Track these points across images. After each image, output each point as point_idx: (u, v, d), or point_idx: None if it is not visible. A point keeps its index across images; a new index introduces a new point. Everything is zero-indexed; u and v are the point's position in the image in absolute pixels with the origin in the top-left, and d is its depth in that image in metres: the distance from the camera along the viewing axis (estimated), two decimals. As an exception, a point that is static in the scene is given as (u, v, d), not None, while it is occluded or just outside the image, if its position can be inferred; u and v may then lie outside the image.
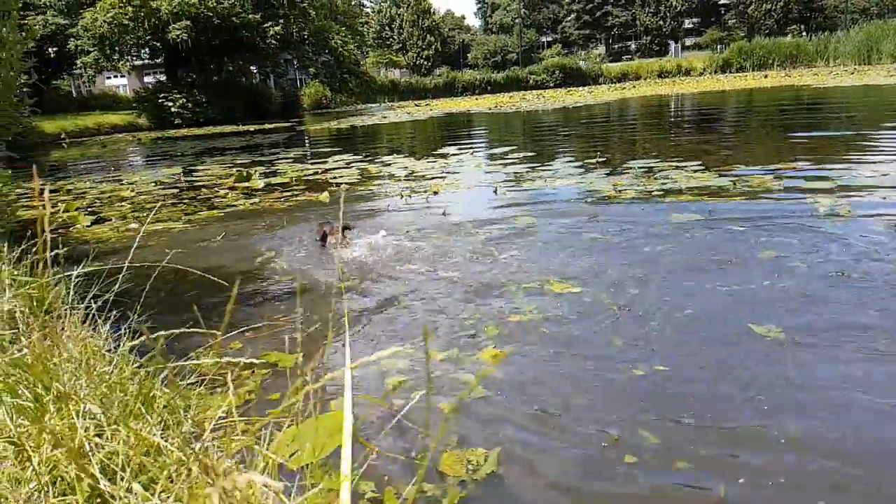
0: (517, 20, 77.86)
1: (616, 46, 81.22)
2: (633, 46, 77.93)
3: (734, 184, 6.50)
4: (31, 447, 1.16)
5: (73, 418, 1.16)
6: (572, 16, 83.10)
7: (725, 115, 16.85)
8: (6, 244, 2.27)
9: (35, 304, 1.82)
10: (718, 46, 62.76)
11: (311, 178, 9.82)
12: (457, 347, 3.05)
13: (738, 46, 52.79)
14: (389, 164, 10.71)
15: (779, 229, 4.73)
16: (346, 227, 5.32)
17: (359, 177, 9.55)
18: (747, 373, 2.63)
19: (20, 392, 1.20)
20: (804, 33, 60.08)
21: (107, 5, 31.03)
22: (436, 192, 7.53)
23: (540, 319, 3.32)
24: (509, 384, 2.67)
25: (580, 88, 47.89)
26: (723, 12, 75.16)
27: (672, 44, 68.31)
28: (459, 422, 2.39)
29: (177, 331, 1.59)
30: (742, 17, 68.50)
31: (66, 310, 1.83)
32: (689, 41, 72.80)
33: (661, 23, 69.61)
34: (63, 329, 1.60)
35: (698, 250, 4.35)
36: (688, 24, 74.35)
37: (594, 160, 9.16)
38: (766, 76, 38.68)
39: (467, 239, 5.16)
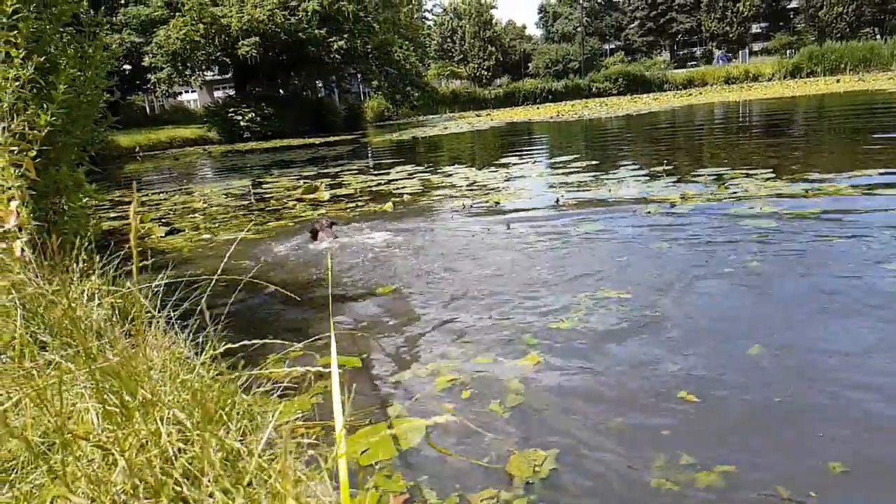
0: (579, 29, 77.09)
1: (681, 53, 79.32)
2: (699, 52, 75.90)
3: (807, 192, 6.22)
4: (117, 451, 1.20)
5: (157, 424, 1.20)
6: (636, 23, 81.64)
7: (796, 122, 16.19)
8: (92, 254, 2.39)
9: (118, 312, 1.90)
10: (788, 51, 60.36)
11: (374, 188, 9.97)
12: (496, 352, 3.03)
13: (809, 51, 50.81)
14: (451, 175, 10.76)
15: (850, 237, 4.48)
16: (332, 224, 5.97)
17: (421, 187, 9.63)
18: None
19: (108, 398, 1.25)
20: (878, 36, 57.12)
21: (179, 23, 32.50)
22: (497, 202, 7.51)
23: (586, 329, 3.25)
24: (549, 388, 2.62)
25: (644, 96, 46.98)
26: (792, 16, 72.27)
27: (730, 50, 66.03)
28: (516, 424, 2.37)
29: (258, 341, 1.63)
30: (812, 21, 65.68)
31: (148, 318, 1.90)
32: (756, 46, 70.34)
33: (728, 28, 67.40)
34: (146, 338, 1.67)
35: (773, 262, 4.17)
36: (755, 28, 71.83)
37: (661, 168, 8.94)
38: (837, 81, 36.93)
39: (527, 247, 5.11)
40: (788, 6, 72.06)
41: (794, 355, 2.82)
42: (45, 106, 2.40)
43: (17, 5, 2.30)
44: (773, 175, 7.40)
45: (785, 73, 50.57)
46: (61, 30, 3.27)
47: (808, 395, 2.47)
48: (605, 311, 3.53)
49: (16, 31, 2.31)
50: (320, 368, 1.77)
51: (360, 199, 8.94)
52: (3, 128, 2.20)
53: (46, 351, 1.51)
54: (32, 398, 1.20)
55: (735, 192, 6.56)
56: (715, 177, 7.72)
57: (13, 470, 1.24)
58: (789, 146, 10.57)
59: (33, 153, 2.30)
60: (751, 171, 7.77)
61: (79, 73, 2.92)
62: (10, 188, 2.14)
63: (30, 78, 2.33)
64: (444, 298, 4.07)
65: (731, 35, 67.13)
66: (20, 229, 2.11)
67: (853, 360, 2.71)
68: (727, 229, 5.12)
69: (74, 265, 2.20)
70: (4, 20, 2.28)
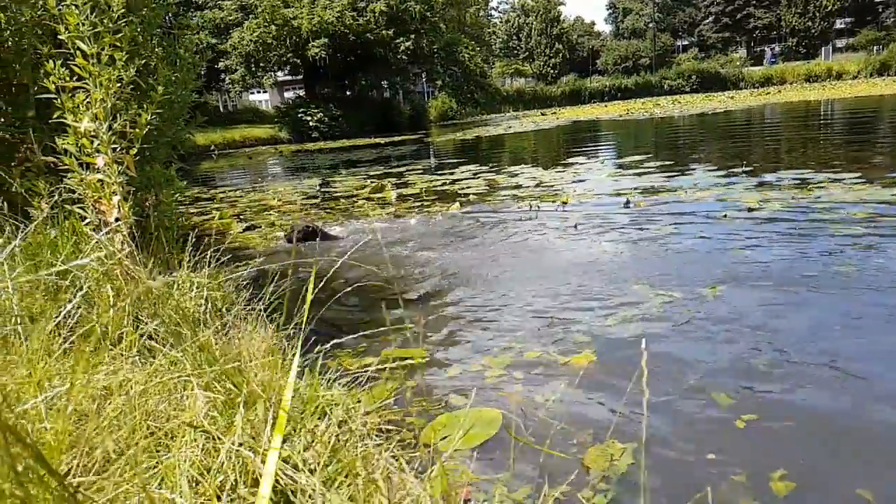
0: (650, 24, 75.30)
1: (758, 49, 76.28)
2: (777, 49, 72.77)
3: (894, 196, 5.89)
4: (220, 438, 1.25)
5: (258, 415, 1.24)
6: (710, 18, 79.02)
7: (886, 123, 15.29)
8: (184, 247, 2.51)
9: (211, 305, 1.99)
10: (875, 48, 57.10)
11: (439, 188, 10.02)
12: (553, 349, 2.99)
13: (899, 47, 48.01)
14: (516, 175, 10.70)
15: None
16: (313, 230, 6.15)
17: (486, 187, 9.62)
18: None
19: (215, 387, 1.30)
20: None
21: (253, 25, 33.59)
22: (564, 203, 7.42)
23: (639, 331, 3.16)
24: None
25: (719, 94, 45.48)
26: (880, 10, 68.28)
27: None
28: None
29: (353, 336, 1.66)
30: (902, 16, 61.91)
31: (239, 310, 1.97)
32: (840, 43, 66.77)
33: (810, 23, 64.03)
34: (241, 330, 1.73)
35: (860, 275, 3.95)
36: (839, 24, 68.17)
37: (739, 169, 8.63)
38: (931, 78, 34.71)
39: (592, 248, 5.04)
40: (876, 0, 68.17)
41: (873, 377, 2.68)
42: (144, 106, 2.53)
43: (122, 10, 2.43)
44: (861, 179, 7.03)
45: (871, 70, 47.98)
46: (152, 33, 3.42)
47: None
48: (652, 314, 3.46)
49: (120, 35, 2.44)
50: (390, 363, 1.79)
51: (426, 198, 9.00)
52: (108, 126, 2.33)
53: (153, 340, 1.60)
54: (149, 386, 1.26)
55: (819, 197, 6.26)
56: (798, 180, 7.40)
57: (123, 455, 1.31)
58: (878, 149, 10.01)
59: (134, 151, 2.44)
60: (836, 175, 7.41)
61: (172, 74, 3.06)
62: (112, 183, 2.28)
63: (131, 79, 2.46)
64: (510, 296, 4.07)
65: (813, 31, 63.86)
66: (121, 222, 2.23)
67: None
68: (808, 237, 4.88)
69: (173, 257, 2.31)
70: (111, 24, 2.41)
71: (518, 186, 9.36)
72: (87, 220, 2.27)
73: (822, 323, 3.22)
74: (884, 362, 2.75)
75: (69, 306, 1.48)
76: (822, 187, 6.71)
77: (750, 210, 6.03)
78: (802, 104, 25.15)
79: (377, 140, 28.71)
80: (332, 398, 1.53)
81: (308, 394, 1.46)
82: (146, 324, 1.60)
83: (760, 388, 2.58)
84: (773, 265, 4.24)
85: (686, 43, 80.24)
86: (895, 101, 21.39)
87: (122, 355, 1.56)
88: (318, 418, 1.37)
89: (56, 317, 1.50)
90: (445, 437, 2.32)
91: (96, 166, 2.28)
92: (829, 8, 63.21)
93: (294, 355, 1.34)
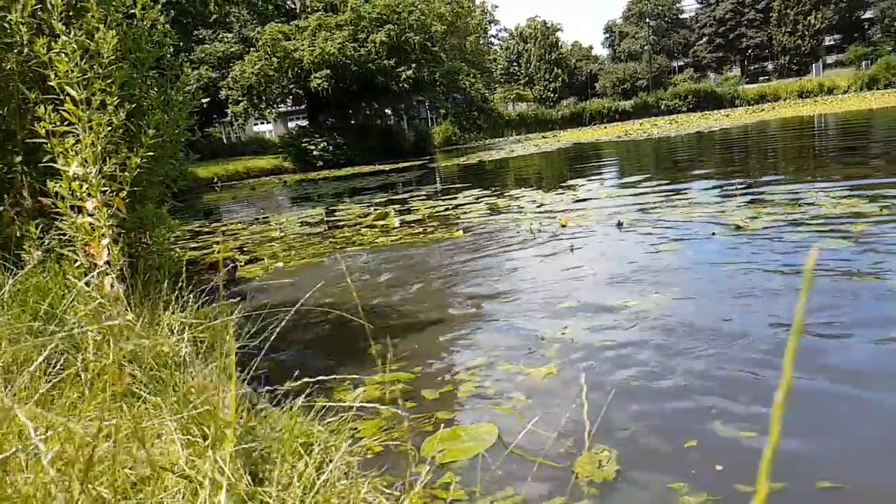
0: (646, 47, 76.16)
1: (752, 68, 77.05)
2: (770, 67, 73.50)
3: (881, 210, 5.91)
4: (198, 481, 1.26)
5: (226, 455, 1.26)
6: (704, 39, 79.96)
7: (876, 136, 15.36)
8: (175, 286, 2.53)
9: (202, 343, 2.01)
10: (863, 63, 57.75)
11: (443, 213, 10.07)
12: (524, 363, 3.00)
13: (886, 61, 48.66)
14: (518, 198, 10.76)
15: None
16: (234, 267, 6.20)
17: (488, 211, 9.66)
18: None
19: (192, 430, 1.32)
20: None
21: (254, 58, 34.02)
22: (563, 225, 7.45)
23: (606, 344, 3.16)
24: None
25: (715, 112, 45.75)
26: (867, 27, 69.22)
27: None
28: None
29: (342, 366, 1.67)
30: (888, 31, 62.58)
31: (227, 349, 1.99)
32: (830, 59, 67.60)
33: (800, 42, 64.78)
34: (226, 369, 1.75)
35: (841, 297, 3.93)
36: (828, 41, 69.10)
37: (734, 187, 8.66)
38: (918, 92, 34.95)
39: (582, 269, 5.07)
40: (863, 16, 69.18)
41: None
42: (135, 149, 2.58)
43: (111, 57, 2.49)
44: (851, 192, 7.07)
45: (861, 84, 48.57)
46: (146, 74, 3.48)
47: None
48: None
49: (111, 80, 2.50)
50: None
51: (429, 224, 9.04)
52: (97, 170, 2.38)
53: (134, 383, 1.62)
54: (125, 431, 1.28)
55: (807, 212, 6.30)
56: (790, 195, 7.44)
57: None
58: (868, 164, 10.04)
59: (124, 193, 2.48)
60: (827, 189, 7.46)
61: (164, 116, 3.11)
62: (102, 227, 2.31)
63: (121, 123, 2.51)
64: (505, 321, 4.11)
65: (803, 48, 64.59)
66: (110, 265, 2.26)
67: None
68: (792, 255, 4.90)
69: (160, 298, 2.33)
70: (101, 70, 2.47)
71: (520, 210, 9.40)
72: (78, 263, 2.31)
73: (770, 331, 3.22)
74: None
75: (47, 351, 1.50)
76: (812, 202, 6.74)
77: (738, 228, 6.05)
78: (797, 119, 25.26)
79: (381, 167, 28.88)
80: (312, 435, 1.54)
81: (285, 433, 1.47)
82: (132, 366, 1.62)
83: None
84: (754, 281, 4.26)
85: (682, 63, 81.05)
86: (885, 115, 21.46)
87: (108, 400, 1.57)
88: (298, 457, 1.39)
89: (41, 361, 1.52)
90: (442, 451, 2.38)
91: (86, 210, 2.32)
92: (818, 26, 64.03)
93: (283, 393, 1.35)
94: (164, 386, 1.44)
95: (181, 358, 1.72)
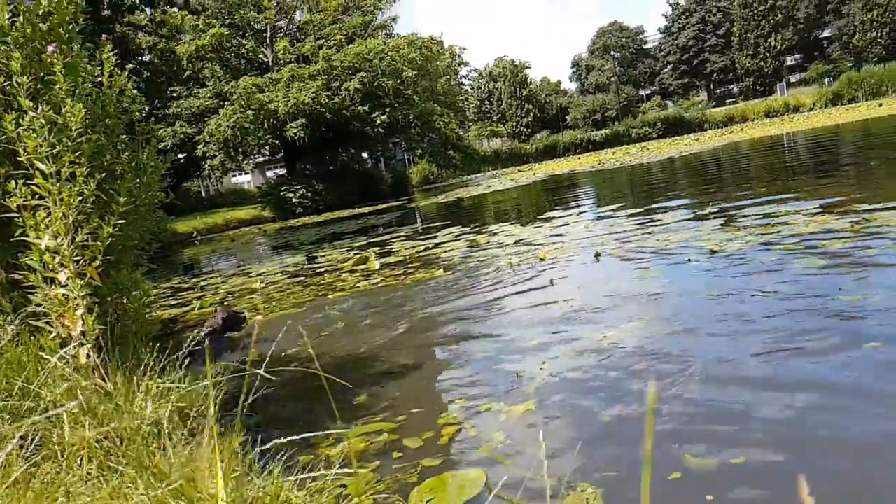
0: (612, 79, 78.07)
1: (718, 91, 79.24)
2: (736, 90, 75.69)
3: (852, 225, 6.06)
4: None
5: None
6: (668, 67, 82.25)
7: (843, 151, 15.82)
8: (153, 351, 2.53)
9: (180, 410, 2.01)
10: (826, 80, 59.70)
11: (423, 254, 10.11)
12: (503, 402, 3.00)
13: (848, 77, 50.24)
14: (496, 233, 10.85)
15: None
16: (235, 320, 5.90)
17: (468, 248, 9.73)
18: None
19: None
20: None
21: (229, 111, 34.28)
22: (542, 259, 7.53)
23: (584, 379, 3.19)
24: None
25: (685, 136, 46.73)
26: (826, 45, 71.89)
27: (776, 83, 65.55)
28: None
29: (312, 434, 1.68)
30: (847, 48, 64.95)
31: (205, 412, 1.99)
32: (794, 78, 69.88)
33: (762, 63, 66.99)
34: (203, 436, 1.75)
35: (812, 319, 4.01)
36: (790, 61, 71.58)
37: (707, 211, 8.84)
38: (880, 105, 36.02)
39: (565, 305, 5.13)
40: (822, 35, 71.81)
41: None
42: (106, 217, 2.61)
43: (80, 128, 2.53)
44: (821, 209, 7.26)
45: (826, 101, 50.01)
46: (115, 140, 3.52)
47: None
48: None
49: (79, 152, 2.54)
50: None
51: (409, 265, 9.07)
52: (70, 241, 2.40)
53: (112, 456, 1.62)
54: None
55: (780, 231, 6.44)
56: (761, 215, 7.61)
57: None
58: (837, 179, 10.31)
59: (97, 262, 2.49)
60: (799, 207, 7.63)
61: (135, 181, 3.15)
62: (75, 297, 2.32)
63: (92, 193, 2.54)
64: (486, 360, 4.17)
65: (766, 69, 66.69)
66: (85, 335, 2.27)
67: None
68: (766, 276, 5.01)
69: (138, 364, 2.33)
70: (69, 143, 2.51)
71: (499, 245, 9.48)
72: (53, 335, 2.31)
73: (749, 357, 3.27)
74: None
75: (21, 431, 1.51)
76: (784, 222, 6.89)
77: (713, 252, 6.16)
78: (766, 139, 25.89)
79: (361, 210, 28.97)
80: (294, 498, 1.55)
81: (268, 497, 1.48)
82: (108, 440, 1.62)
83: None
84: (727, 307, 4.34)
85: (649, 92, 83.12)
86: (851, 129, 22.09)
87: (86, 476, 1.57)
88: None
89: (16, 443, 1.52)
90: (430, 500, 2.39)
91: (59, 281, 2.34)
92: (779, 47, 66.32)
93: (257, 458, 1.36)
94: (140, 459, 1.44)
95: (161, 427, 1.72)
